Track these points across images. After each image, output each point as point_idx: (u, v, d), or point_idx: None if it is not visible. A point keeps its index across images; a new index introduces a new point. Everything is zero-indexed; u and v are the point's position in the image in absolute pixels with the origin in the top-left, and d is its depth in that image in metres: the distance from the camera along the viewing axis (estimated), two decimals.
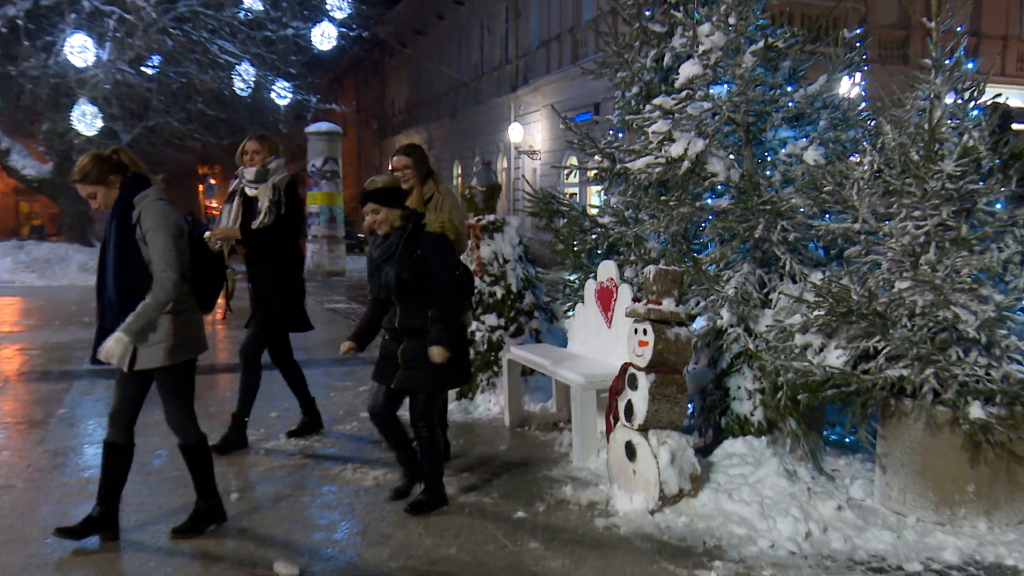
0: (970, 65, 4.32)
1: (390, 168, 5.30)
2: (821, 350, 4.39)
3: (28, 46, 18.75)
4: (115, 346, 3.70)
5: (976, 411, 3.88)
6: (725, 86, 5.26)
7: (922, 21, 4.44)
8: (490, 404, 6.43)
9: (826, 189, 4.58)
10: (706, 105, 5.20)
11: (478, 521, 4.29)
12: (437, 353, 4.17)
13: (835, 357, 4.29)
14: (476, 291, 6.61)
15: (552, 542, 4.01)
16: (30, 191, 30.62)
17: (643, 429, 4.40)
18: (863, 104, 5.41)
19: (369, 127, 46.10)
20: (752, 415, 4.84)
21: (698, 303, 5.16)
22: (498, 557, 3.85)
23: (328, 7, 19.35)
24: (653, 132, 5.40)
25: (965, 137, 4.15)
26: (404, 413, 4.42)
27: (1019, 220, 4.15)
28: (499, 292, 6.66)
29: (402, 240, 4.23)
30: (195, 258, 3.93)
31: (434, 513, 4.32)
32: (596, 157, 6.17)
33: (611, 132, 6.47)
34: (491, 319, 6.59)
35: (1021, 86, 19.10)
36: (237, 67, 19.63)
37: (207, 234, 5.07)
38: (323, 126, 20.04)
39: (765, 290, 4.98)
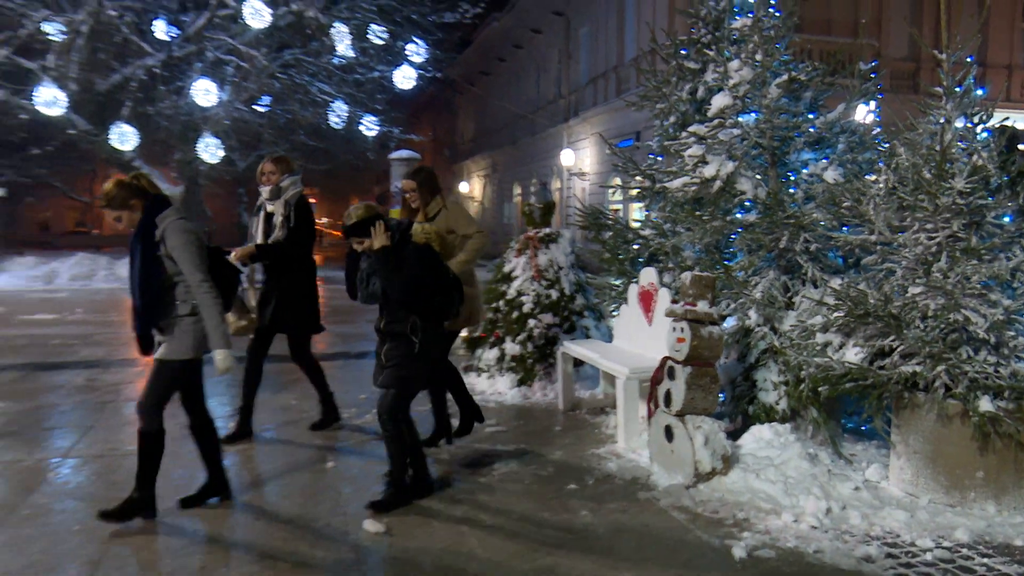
0: (979, 92, 4.10)
1: (401, 190, 5.11)
2: (840, 347, 4.21)
3: (163, 90, 19.32)
4: (224, 360, 3.68)
5: (985, 405, 3.67)
6: (753, 114, 5.12)
7: (933, 53, 4.24)
8: (546, 390, 6.36)
9: (845, 205, 4.40)
10: (736, 131, 5.06)
11: (535, 489, 4.22)
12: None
13: (853, 354, 4.11)
14: (535, 293, 6.57)
15: (600, 510, 3.92)
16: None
17: (680, 415, 4.28)
18: (877, 129, 5.20)
19: (442, 154, 46.43)
20: (777, 404, 4.67)
21: (728, 305, 5.00)
22: (554, 521, 3.78)
23: (408, 53, 19.51)
24: (689, 155, 5.29)
25: (975, 157, 3.94)
26: (416, 412, 4.14)
27: None
28: (554, 294, 6.59)
29: (390, 255, 3.86)
30: (212, 267, 3.78)
31: (495, 478, 4.24)
32: (638, 178, 6.06)
33: (651, 156, 6.36)
34: (547, 317, 6.51)
35: None
36: (332, 105, 19.88)
37: (232, 255, 4.76)
38: (404, 153, 20.18)
39: (789, 294, 4.81)
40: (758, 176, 5.07)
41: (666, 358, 4.46)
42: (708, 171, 5.08)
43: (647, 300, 5.32)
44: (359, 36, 19.37)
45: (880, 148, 4.95)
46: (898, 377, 3.92)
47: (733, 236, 5.18)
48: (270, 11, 16.75)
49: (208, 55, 19.24)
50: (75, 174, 32.80)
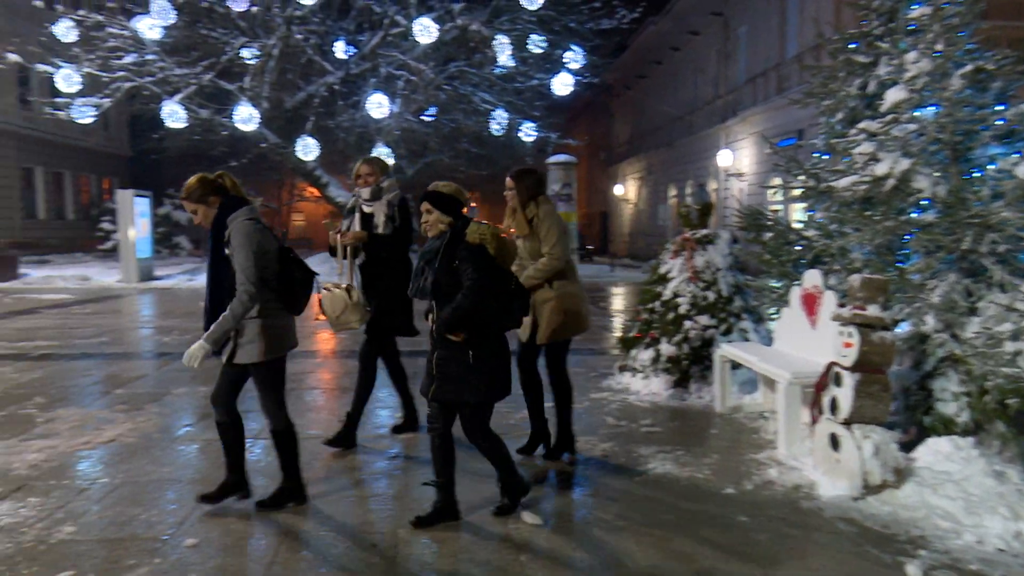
0: None
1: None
2: None
3: (341, 105, 20.72)
4: (196, 351, 3.57)
5: None
6: (931, 108, 4.72)
7: None
8: (701, 393, 6.20)
9: None
10: (912, 127, 4.69)
11: (691, 491, 4.14)
12: (443, 322, 3.56)
13: None
14: (691, 295, 6.43)
15: (759, 517, 3.77)
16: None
17: (847, 423, 4.03)
18: None
19: (598, 157, 46.29)
20: (958, 416, 4.27)
21: (901, 309, 4.65)
22: (712, 525, 3.68)
23: (566, 60, 19.64)
24: (859, 153, 4.97)
25: None
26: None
27: None
28: (711, 296, 6.42)
29: (441, 247, 3.63)
30: (283, 269, 3.71)
31: (649, 478, 4.18)
32: (801, 177, 5.76)
33: (815, 155, 6.02)
34: (704, 319, 6.35)
35: None
36: (493, 113, 20.39)
37: (338, 237, 4.77)
38: (561, 157, 20.38)
39: (972, 299, 4.39)
40: (937, 173, 4.68)
41: (832, 363, 4.22)
42: (880, 169, 4.74)
43: (811, 303, 5.05)
44: (519, 46, 19.75)
45: None
46: None
47: (907, 237, 4.80)
48: (437, 27, 17.46)
49: (381, 71, 20.35)
50: (265, 183, 35.87)
